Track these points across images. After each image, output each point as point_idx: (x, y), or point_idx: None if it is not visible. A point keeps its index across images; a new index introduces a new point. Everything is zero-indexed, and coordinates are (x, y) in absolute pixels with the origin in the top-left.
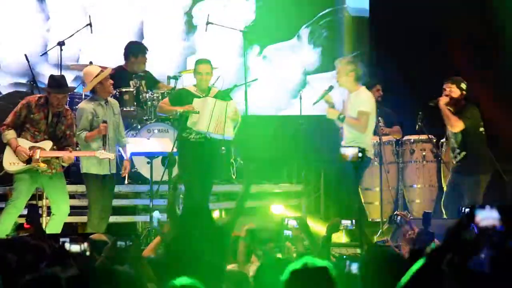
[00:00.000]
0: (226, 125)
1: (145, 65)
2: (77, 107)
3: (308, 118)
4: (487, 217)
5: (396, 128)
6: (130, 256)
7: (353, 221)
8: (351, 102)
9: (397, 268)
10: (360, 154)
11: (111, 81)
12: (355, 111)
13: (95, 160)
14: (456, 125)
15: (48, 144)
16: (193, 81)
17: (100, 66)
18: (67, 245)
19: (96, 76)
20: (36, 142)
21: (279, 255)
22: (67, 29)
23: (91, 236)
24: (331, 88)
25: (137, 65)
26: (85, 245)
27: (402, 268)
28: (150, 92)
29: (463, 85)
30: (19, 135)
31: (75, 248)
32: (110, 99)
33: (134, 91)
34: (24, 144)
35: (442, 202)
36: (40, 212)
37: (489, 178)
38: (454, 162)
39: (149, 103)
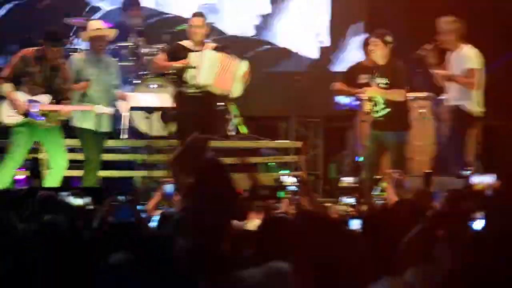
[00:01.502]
0: (235, 81)
1: (141, 18)
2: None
3: (304, 74)
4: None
5: None
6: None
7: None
8: (456, 60)
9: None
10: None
11: (103, 44)
12: (462, 69)
13: (80, 113)
14: (403, 96)
15: (45, 98)
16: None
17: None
18: (69, 199)
19: (91, 30)
20: (34, 95)
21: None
22: None
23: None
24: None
25: (132, 18)
26: (87, 198)
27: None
28: (149, 48)
29: (389, 38)
30: (17, 89)
31: (77, 201)
32: (107, 58)
33: (134, 46)
34: (22, 97)
35: (365, 160)
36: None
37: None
38: (375, 117)
39: (148, 58)
